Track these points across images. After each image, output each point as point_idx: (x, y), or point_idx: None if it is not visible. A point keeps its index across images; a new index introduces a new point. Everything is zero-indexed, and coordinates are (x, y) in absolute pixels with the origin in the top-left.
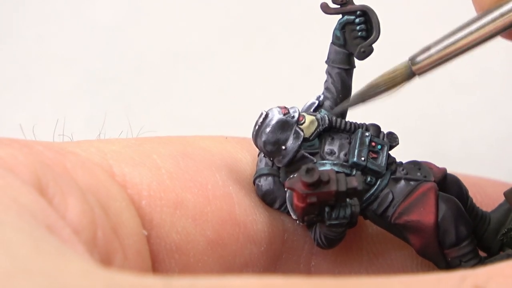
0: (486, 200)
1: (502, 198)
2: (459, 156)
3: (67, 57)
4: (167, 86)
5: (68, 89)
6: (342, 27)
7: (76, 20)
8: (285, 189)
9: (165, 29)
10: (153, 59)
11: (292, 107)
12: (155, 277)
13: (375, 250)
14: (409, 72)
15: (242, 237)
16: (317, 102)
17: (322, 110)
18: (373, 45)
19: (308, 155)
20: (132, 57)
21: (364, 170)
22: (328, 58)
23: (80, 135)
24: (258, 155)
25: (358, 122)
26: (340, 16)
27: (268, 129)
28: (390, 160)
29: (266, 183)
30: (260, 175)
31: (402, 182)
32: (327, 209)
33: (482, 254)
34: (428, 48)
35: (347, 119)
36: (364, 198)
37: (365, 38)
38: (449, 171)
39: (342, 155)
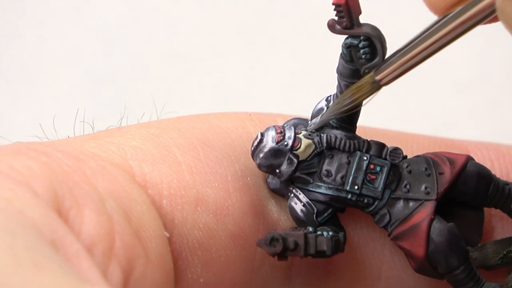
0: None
1: None
2: None
3: (67, 57)
4: (167, 86)
5: (68, 89)
6: (348, 47)
7: (76, 20)
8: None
9: (165, 29)
10: (153, 59)
11: (289, 129)
12: None
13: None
14: (373, 81)
15: (262, 227)
16: (325, 108)
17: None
18: None
19: (305, 176)
20: (132, 57)
21: (360, 194)
22: (337, 68)
23: (80, 135)
24: None
25: (361, 139)
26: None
27: (261, 155)
28: (390, 180)
29: (273, 182)
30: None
31: (401, 203)
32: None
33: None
34: (391, 57)
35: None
36: (365, 211)
37: (369, 60)
38: None
39: (338, 178)
